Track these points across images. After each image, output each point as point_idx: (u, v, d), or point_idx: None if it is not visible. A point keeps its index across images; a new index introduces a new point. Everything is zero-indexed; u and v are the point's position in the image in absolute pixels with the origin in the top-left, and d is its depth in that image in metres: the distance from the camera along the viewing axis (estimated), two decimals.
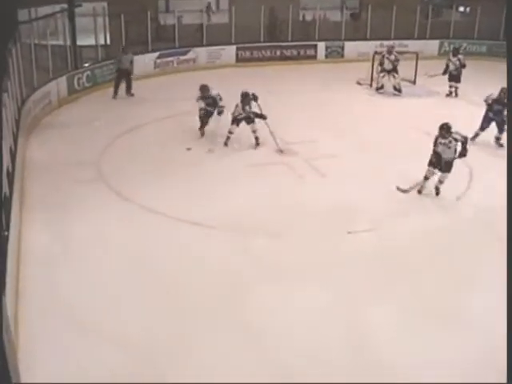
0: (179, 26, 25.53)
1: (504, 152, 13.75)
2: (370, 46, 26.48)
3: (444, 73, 21.60)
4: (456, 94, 21.73)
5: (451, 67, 21.55)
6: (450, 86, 21.79)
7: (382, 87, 22.18)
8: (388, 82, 22.08)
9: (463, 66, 21.42)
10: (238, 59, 26.32)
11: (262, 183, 13.55)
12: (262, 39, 26.80)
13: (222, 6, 28.53)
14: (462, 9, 32.78)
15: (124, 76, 20.65)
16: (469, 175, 14.39)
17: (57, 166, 14.34)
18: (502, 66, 23.25)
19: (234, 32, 26.24)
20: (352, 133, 17.21)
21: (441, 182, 13.27)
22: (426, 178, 13.21)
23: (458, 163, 13.25)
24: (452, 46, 28.52)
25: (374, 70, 22.64)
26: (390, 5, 27.62)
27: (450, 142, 12.83)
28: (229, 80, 21.13)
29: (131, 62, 20.76)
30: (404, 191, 13.23)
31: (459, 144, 12.93)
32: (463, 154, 13.05)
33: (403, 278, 10.03)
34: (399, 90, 21.89)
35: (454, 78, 21.67)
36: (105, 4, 23.83)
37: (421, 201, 13.16)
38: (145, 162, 14.70)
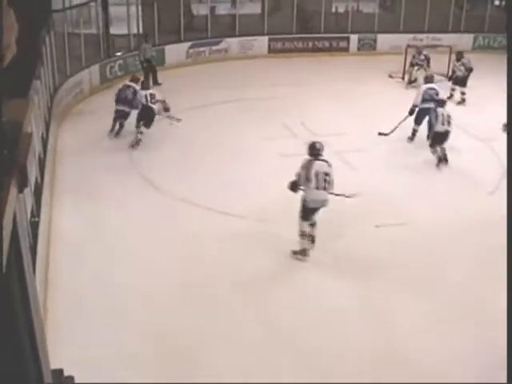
0: (212, 16, 25.57)
1: None
2: (402, 39, 26.19)
3: (450, 79, 21.05)
4: (463, 100, 20.29)
5: (458, 73, 20.51)
6: (453, 89, 20.52)
7: (415, 81, 22.00)
8: (421, 75, 21.93)
9: (469, 70, 20.33)
10: (270, 50, 26.18)
11: (291, 176, 13.56)
12: (294, 30, 26.67)
13: None
14: (497, 2, 32.41)
15: (150, 66, 20.68)
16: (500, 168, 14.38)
17: (88, 153, 14.50)
18: None
19: (266, 22, 26.20)
20: (383, 126, 17.12)
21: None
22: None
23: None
24: (487, 41, 28.59)
25: (407, 63, 22.53)
26: None
27: None
28: (260, 70, 21.13)
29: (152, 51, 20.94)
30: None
31: None
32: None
33: (431, 275, 10.03)
34: (449, 80, 21.42)
35: (459, 81, 20.46)
36: None
37: (455, 189, 13.23)
38: (177, 151, 14.77)
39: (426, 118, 15.66)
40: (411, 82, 21.98)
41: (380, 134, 16.25)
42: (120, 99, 15.97)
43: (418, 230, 11.47)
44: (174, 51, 23.64)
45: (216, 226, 11.39)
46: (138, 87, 16.13)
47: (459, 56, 20.80)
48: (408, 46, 23.75)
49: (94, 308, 8.73)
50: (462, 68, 20.36)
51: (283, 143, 15.45)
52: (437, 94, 16.29)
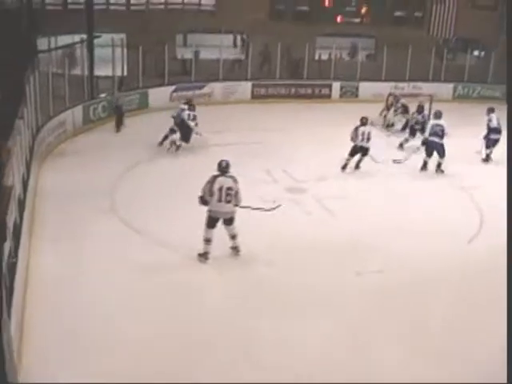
0: (196, 61, 25.79)
1: None
2: (384, 87, 26.54)
3: (403, 128, 21.56)
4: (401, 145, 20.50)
5: (415, 125, 20.68)
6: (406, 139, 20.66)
7: (392, 125, 22.30)
8: (398, 121, 22.28)
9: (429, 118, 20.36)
10: (254, 95, 26.48)
11: (272, 219, 13.57)
12: (277, 76, 26.91)
13: (240, 42, 28.75)
14: (476, 53, 32.98)
15: (119, 112, 20.98)
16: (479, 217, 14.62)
17: (69, 195, 14.40)
18: None
19: (249, 68, 26.46)
20: (363, 174, 17.27)
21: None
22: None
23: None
24: (466, 90, 29.01)
25: (385, 111, 22.86)
26: (405, 47, 27.79)
27: None
28: (243, 115, 21.26)
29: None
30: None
31: None
32: None
33: (409, 318, 10.04)
34: (402, 129, 21.85)
35: (414, 132, 20.69)
36: (123, 35, 24.06)
37: (435, 238, 13.26)
38: (158, 195, 14.73)
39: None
40: (388, 126, 22.23)
41: (394, 161, 18.15)
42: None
43: (396, 278, 11.47)
44: (158, 94, 23.82)
45: (195, 271, 11.37)
46: (185, 106, 18.97)
47: (420, 109, 20.97)
48: (389, 94, 24.02)
49: (71, 356, 8.60)
50: (422, 120, 20.49)
51: (264, 188, 15.47)
52: (442, 131, 17.59)
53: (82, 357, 8.52)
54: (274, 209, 13.12)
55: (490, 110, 20.06)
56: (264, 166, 16.69)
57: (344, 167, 17.71)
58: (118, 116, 20.82)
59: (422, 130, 19.66)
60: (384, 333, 9.65)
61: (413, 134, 20.52)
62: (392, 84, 27.49)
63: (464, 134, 20.24)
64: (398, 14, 29.81)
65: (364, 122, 17.97)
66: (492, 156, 19.49)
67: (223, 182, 11.48)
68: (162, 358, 8.61)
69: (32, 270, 10.78)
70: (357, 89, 28.32)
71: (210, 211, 11.55)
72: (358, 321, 9.95)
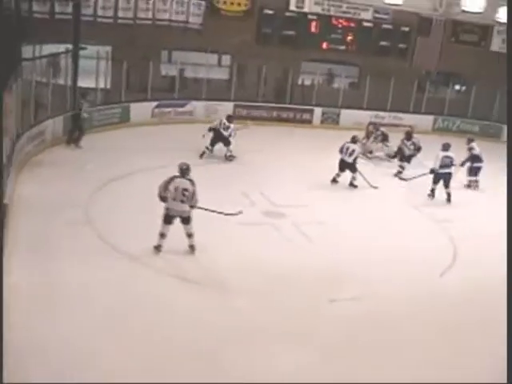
0: (180, 78, 25.83)
1: None
2: (365, 116, 26.76)
3: (394, 156, 21.82)
4: (399, 172, 21.02)
5: (406, 151, 21.20)
6: (401, 166, 21.14)
7: (371, 152, 22.50)
8: (376, 149, 22.52)
9: (418, 148, 21.10)
10: (235, 116, 26.46)
11: (249, 243, 13.59)
12: (260, 99, 26.98)
13: (225, 62, 28.77)
14: (457, 87, 33.34)
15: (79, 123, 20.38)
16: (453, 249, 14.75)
17: (44, 206, 14.26)
18: (494, 146, 23.78)
19: (233, 89, 26.54)
20: (342, 200, 17.34)
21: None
22: None
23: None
24: (446, 123, 29.30)
25: (365, 139, 23.03)
26: (388, 77, 28.03)
27: None
28: None
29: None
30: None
31: None
32: None
33: (382, 347, 10.06)
34: (393, 157, 22.07)
35: (406, 159, 21.20)
36: (109, 48, 24.05)
37: (408, 268, 13.35)
38: (134, 210, 14.63)
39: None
40: (367, 154, 22.41)
41: (400, 178, 19.54)
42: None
43: (369, 307, 11.51)
44: (140, 109, 23.80)
45: (169, 290, 11.31)
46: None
47: (408, 136, 21.45)
48: (370, 122, 24.18)
49: (41, 369, 8.51)
50: (412, 147, 20.92)
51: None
52: (451, 162, 18.46)
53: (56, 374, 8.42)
54: (234, 214, 13.68)
55: (471, 140, 21.14)
56: (242, 187, 16.68)
57: (333, 180, 19.00)
58: (76, 128, 20.26)
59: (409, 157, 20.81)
60: (357, 361, 9.64)
61: (408, 160, 21.04)
62: (373, 113, 27.73)
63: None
64: (382, 44, 29.98)
65: (353, 139, 19.30)
66: (479, 184, 20.56)
67: (180, 182, 12.47)
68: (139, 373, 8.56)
69: (4, 286, 10.64)
70: (338, 116, 28.50)
71: (166, 209, 12.55)
72: (331, 348, 9.92)
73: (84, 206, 14.61)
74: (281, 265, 12.63)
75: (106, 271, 11.60)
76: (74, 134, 20.19)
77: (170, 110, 24.89)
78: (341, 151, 19.00)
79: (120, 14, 24.46)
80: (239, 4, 27.37)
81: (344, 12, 29.14)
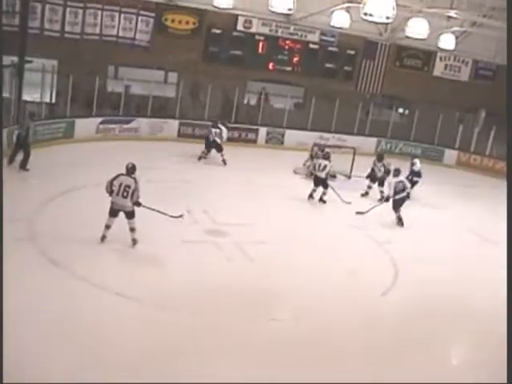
0: (126, 95, 25.75)
1: None
2: (310, 137, 26.96)
3: (368, 177, 21.93)
4: (382, 197, 20.94)
5: (378, 173, 21.60)
6: (369, 187, 21.75)
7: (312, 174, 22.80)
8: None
9: (388, 171, 21.20)
10: (180, 134, 26.51)
11: (190, 262, 13.63)
12: (206, 117, 27.04)
13: (171, 80, 28.77)
14: (401, 110, 33.93)
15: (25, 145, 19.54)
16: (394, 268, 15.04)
17: None
18: (435, 168, 24.19)
19: (178, 107, 26.57)
20: (284, 219, 17.46)
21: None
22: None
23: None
24: (389, 146, 29.78)
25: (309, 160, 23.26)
26: (333, 98, 28.37)
27: None
28: (169, 153, 21.33)
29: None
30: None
31: None
32: None
33: (325, 368, 10.17)
34: (334, 176, 22.34)
35: (378, 181, 21.65)
36: (55, 62, 23.87)
37: (350, 288, 13.58)
38: (77, 226, 14.54)
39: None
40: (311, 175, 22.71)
41: (357, 212, 18.79)
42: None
43: (310, 326, 11.64)
44: (84, 125, 23.62)
45: (110, 308, 11.27)
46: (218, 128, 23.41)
47: (380, 157, 21.95)
48: (314, 144, 24.40)
49: None
50: (382, 169, 21.40)
51: (184, 229, 15.53)
52: (404, 186, 18.59)
53: None
54: (176, 217, 14.84)
55: (414, 157, 22.91)
56: (185, 205, 16.70)
57: (310, 196, 19.91)
58: (19, 149, 19.46)
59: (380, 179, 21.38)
60: (297, 380, 9.73)
61: (379, 182, 21.57)
62: (317, 134, 27.99)
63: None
64: (328, 66, 30.38)
65: (325, 156, 20.40)
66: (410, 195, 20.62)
67: (124, 180, 13.71)
68: None
69: None
70: (283, 136, 28.67)
71: (111, 202, 13.82)
72: (271, 367, 9.99)
73: (27, 222, 14.47)
74: (221, 283, 12.72)
75: (47, 287, 11.52)
76: (17, 154, 19.43)
77: (114, 126, 24.74)
78: (313, 167, 20.26)
79: (67, 28, 24.39)
80: (187, 22, 27.43)
81: (291, 33, 29.43)
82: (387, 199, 18.77)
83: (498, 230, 19.46)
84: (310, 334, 11.32)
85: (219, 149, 23.17)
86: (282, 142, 28.64)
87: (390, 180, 18.93)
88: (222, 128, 23.52)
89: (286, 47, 29.67)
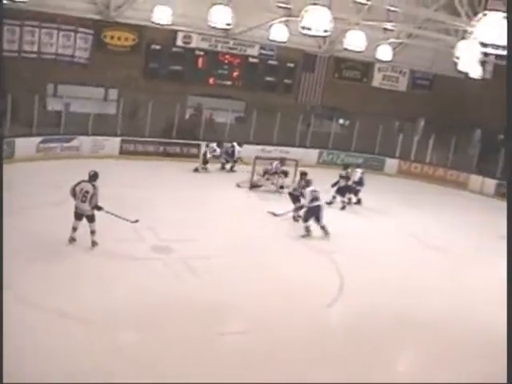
0: (66, 113, 25.48)
1: None
2: (252, 150, 27.02)
3: (333, 185, 22.37)
4: (343, 207, 22.40)
5: (342, 183, 22.29)
6: (334, 197, 22.32)
7: (282, 187, 22.98)
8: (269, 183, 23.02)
9: (348, 179, 22.35)
10: (122, 151, 26.32)
11: (137, 278, 13.56)
12: (147, 134, 26.95)
13: (111, 96, 28.63)
14: (341, 121, 34.34)
15: None
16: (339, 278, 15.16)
17: None
18: (377, 177, 24.52)
19: (119, 124, 26.42)
20: (230, 233, 17.50)
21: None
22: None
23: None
24: (330, 157, 30.08)
25: (255, 173, 23.38)
26: (273, 111, 28.55)
27: None
28: (111, 171, 21.19)
29: None
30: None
31: None
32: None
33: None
34: (282, 187, 22.72)
35: (341, 191, 22.38)
36: None
37: (295, 300, 13.59)
38: (18, 248, 14.28)
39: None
40: (255, 187, 22.88)
41: (269, 212, 19.65)
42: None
43: (256, 340, 11.69)
44: (25, 144, 23.24)
45: (53, 327, 11.15)
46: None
47: (346, 167, 22.86)
48: (256, 157, 24.50)
49: None
50: (346, 178, 22.29)
51: (130, 246, 15.46)
52: (318, 195, 18.59)
53: None
54: (133, 222, 15.72)
55: (357, 166, 23.67)
56: (131, 223, 16.61)
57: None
58: None
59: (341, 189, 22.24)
60: None
61: (341, 193, 22.38)
62: (260, 147, 28.10)
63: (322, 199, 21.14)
64: (268, 79, 30.64)
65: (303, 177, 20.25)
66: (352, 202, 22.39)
67: (84, 186, 14.89)
68: None
69: None
70: None
71: (75, 206, 14.92)
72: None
73: None
74: (168, 300, 12.70)
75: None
76: None
77: (55, 145, 24.45)
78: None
79: (5, 46, 24.08)
80: (126, 39, 27.37)
81: (231, 48, 29.65)
82: (301, 207, 18.94)
83: (441, 236, 20.00)
84: (258, 348, 11.38)
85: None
86: None
87: (305, 190, 18.97)
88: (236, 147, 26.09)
89: (226, 62, 29.88)
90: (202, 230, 17.30)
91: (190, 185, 22.45)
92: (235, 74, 30.06)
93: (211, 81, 29.63)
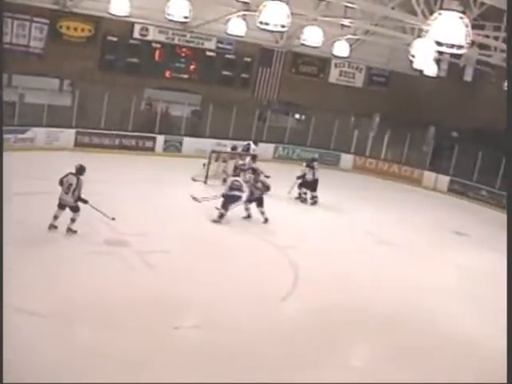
0: (20, 104, 25.13)
1: None
2: (207, 144, 27.02)
3: (298, 178, 22.75)
4: (315, 202, 22.82)
5: (308, 177, 22.69)
6: (305, 193, 22.82)
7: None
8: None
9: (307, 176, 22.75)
10: (77, 143, 26.08)
11: (93, 273, 13.47)
12: (102, 125, 26.76)
13: (66, 88, 28.30)
14: (297, 116, 34.49)
15: None
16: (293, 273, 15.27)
17: None
18: (332, 173, 24.70)
19: (75, 116, 26.18)
20: (185, 228, 17.48)
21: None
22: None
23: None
24: (286, 151, 30.17)
25: (210, 168, 23.43)
26: (230, 106, 28.56)
27: None
28: (65, 163, 20.97)
29: None
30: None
31: None
32: None
33: (229, 376, 10.23)
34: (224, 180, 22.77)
35: (307, 185, 22.77)
36: None
37: (249, 294, 13.66)
38: None
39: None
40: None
41: (194, 198, 20.20)
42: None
43: (211, 334, 11.72)
44: None
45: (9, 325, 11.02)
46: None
47: (309, 161, 23.09)
48: (212, 151, 24.51)
49: None
50: (313, 173, 22.63)
51: (86, 240, 15.39)
52: (239, 186, 18.97)
53: None
54: (112, 219, 16.02)
55: (314, 160, 23.32)
56: (85, 217, 16.46)
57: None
58: None
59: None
60: None
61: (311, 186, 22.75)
62: (216, 141, 28.10)
63: (279, 194, 21.25)
64: (225, 73, 30.59)
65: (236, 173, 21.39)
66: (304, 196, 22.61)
67: (70, 178, 15.62)
68: None
69: None
70: (180, 143, 28.63)
71: (59, 197, 15.60)
72: (176, 377, 10.01)
73: None
74: (124, 294, 12.66)
75: None
76: None
77: (9, 136, 24.06)
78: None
79: None
80: (83, 30, 27.01)
81: (188, 41, 29.50)
82: (223, 195, 19.09)
83: (395, 232, 20.23)
84: (213, 342, 11.39)
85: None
86: (180, 150, 28.58)
87: (229, 179, 19.72)
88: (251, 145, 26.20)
89: (183, 55, 29.70)
90: (157, 224, 17.27)
91: (146, 178, 22.31)
92: (192, 67, 29.91)
93: (168, 74, 29.44)
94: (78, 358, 10.15)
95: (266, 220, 19.32)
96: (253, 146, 26.16)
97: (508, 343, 5.93)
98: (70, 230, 15.66)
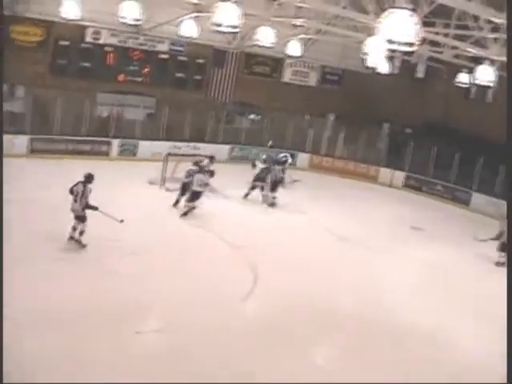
0: None
1: None
2: (163, 147, 26.93)
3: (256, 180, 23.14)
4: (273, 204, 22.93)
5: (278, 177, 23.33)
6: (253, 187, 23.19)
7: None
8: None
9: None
10: (32, 150, 25.80)
11: (55, 277, 13.39)
12: (56, 131, 26.48)
13: (19, 94, 27.92)
14: (252, 116, 34.50)
15: None
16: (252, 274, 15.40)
17: None
18: (289, 172, 24.85)
19: (28, 122, 25.87)
20: (144, 230, 17.42)
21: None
22: None
23: None
24: (241, 152, 30.24)
25: (166, 170, 23.31)
26: (185, 107, 28.49)
27: None
28: (20, 171, 20.77)
29: None
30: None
31: None
32: None
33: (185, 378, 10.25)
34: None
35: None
36: None
37: (208, 296, 13.75)
38: None
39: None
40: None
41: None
42: None
43: (172, 338, 11.75)
44: None
45: None
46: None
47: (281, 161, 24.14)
48: (168, 154, 24.41)
49: None
50: (281, 172, 23.58)
51: (44, 245, 15.33)
52: (204, 182, 20.06)
53: None
54: (120, 221, 16.05)
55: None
56: (39, 227, 16.31)
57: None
58: None
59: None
60: None
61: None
62: (171, 143, 28.00)
63: (235, 195, 21.31)
64: (179, 75, 30.53)
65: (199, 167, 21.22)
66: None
67: (78, 186, 15.86)
68: None
69: None
70: (136, 147, 28.42)
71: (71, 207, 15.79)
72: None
73: None
74: (85, 298, 12.64)
75: None
76: None
77: None
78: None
79: None
80: (34, 34, 26.71)
81: (141, 44, 29.36)
82: (188, 190, 20.32)
83: (353, 229, 20.40)
84: (174, 346, 11.44)
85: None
86: (135, 154, 28.38)
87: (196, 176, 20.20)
88: None
89: (136, 58, 29.54)
90: (114, 228, 17.13)
91: (102, 183, 22.08)
92: (145, 70, 29.78)
93: (121, 77, 29.27)
94: (37, 363, 10.11)
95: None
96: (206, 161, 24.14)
97: (508, 343, 6.01)
98: (79, 243, 15.77)
